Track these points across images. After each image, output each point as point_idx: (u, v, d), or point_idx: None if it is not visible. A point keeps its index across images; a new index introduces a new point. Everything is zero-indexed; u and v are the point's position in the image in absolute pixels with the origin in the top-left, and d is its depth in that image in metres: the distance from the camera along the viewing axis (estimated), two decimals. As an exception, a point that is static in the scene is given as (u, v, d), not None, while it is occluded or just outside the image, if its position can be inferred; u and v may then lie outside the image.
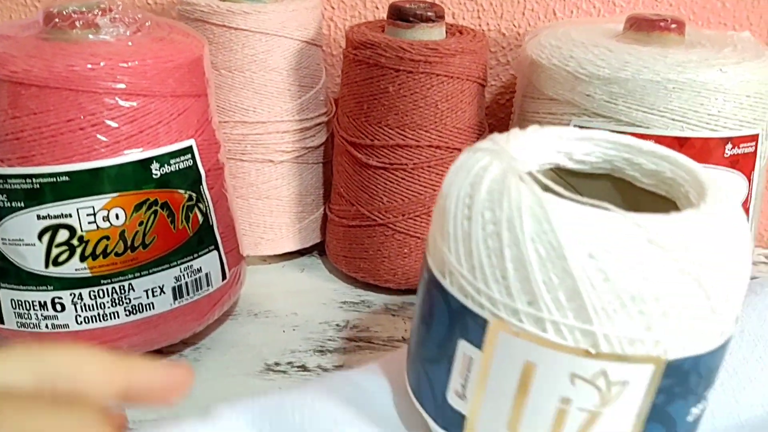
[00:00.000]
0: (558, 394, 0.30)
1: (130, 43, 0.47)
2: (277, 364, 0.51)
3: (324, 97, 0.66)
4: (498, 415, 0.31)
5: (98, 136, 0.45)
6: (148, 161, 0.46)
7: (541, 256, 0.28)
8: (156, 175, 0.47)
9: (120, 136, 0.46)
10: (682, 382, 0.30)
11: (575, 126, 0.51)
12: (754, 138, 0.50)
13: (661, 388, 0.30)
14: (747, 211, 0.53)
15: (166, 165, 0.47)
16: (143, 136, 0.46)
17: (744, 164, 0.50)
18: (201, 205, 0.50)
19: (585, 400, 0.30)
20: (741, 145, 0.50)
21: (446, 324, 0.32)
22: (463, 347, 0.31)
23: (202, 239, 0.50)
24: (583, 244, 0.28)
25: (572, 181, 0.38)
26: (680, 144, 0.48)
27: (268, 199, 0.63)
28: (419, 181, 0.56)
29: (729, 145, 0.49)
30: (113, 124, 0.45)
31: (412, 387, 0.36)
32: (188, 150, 0.49)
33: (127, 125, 0.46)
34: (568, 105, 0.51)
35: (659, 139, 0.48)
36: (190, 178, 0.49)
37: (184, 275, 0.49)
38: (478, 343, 0.31)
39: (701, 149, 0.49)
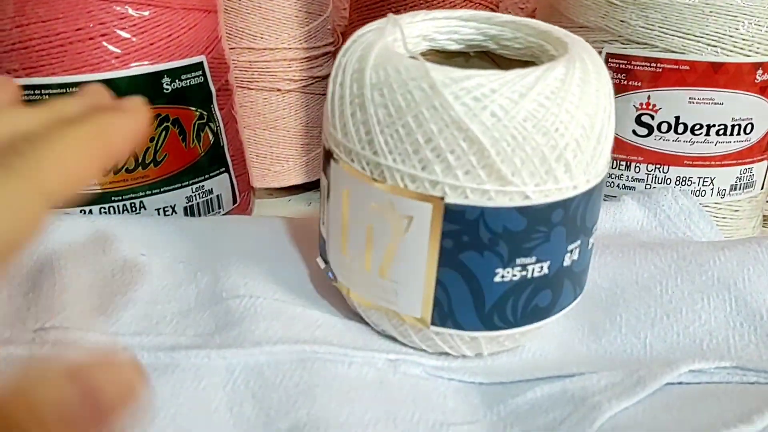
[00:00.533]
0: (365, 221, 0.33)
1: (141, -51, 0.44)
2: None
3: (331, 26, 0.64)
4: (336, 237, 0.36)
5: (108, 46, 0.43)
6: (159, 75, 0.44)
7: (353, 92, 0.33)
8: (167, 89, 0.45)
9: (130, 48, 0.43)
10: (469, 232, 0.31)
11: (607, 53, 0.49)
12: (785, 65, 0.49)
13: (446, 232, 0.32)
14: (771, 143, 0.52)
15: (177, 80, 0.45)
16: (154, 48, 0.44)
17: (773, 92, 0.50)
18: (212, 125, 0.48)
19: (383, 229, 0.33)
20: (772, 72, 0.49)
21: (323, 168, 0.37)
22: (323, 178, 0.37)
23: (213, 160, 0.48)
24: (376, 82, 0.32)
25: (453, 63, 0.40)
26: (714, 69, 0.47)
27: (276, 130, 0.61)
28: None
29: (760, 71, 0.48)
30: (124, 35, 0.43)
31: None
32: (199, 66, 0.47)
33: (137, 36, 0.44)
34: (601, 32, 0.49)
35: (693, 65, 0.47)
36: (201, 95, 0.47)
37: (195, 195, 0.47)
38: (327, 173, 0.36)
39: (734, 75, 0.47)
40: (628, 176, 0.52)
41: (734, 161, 0.52)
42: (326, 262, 0.38)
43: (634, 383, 0.32)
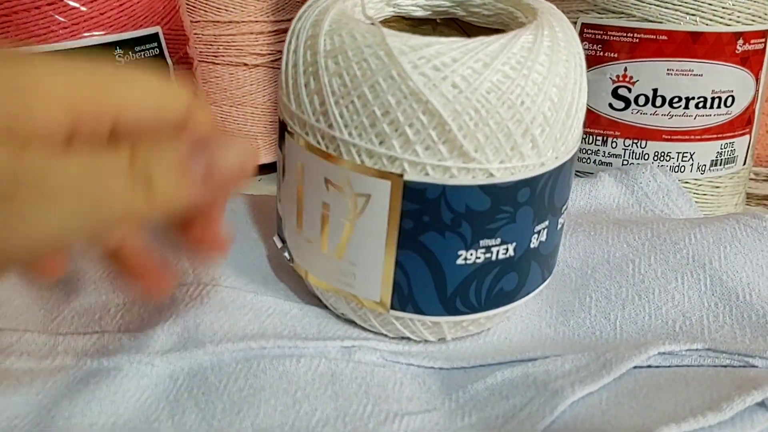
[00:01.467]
0: (320, 198, 0.31)
1: None
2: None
3: (301, -1, 0.62)
4: (291, 216, 0.34)
5: (56, 16, 0.41)
6: (111, 46, 0.42)
7: (306, 60, 0.31)
8: (120, 62, 0.42)
9: (80, 17, 0.41)
10: (430, 211, 0.30)
11: (582, 24, 0.47)
12: (765, 34, 0.47)
13: (405, 212, 0.30)
14: (752, 113, 0.50)
15: (130, 52, 0.43)
16: (105, 18, 0.42)
17: (754, 62, 0.48)
18: (170, 100, 0.46)
19: (339, 207, 0.31)
20: (752, 41, 0.47)
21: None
22: (278, 153, 0.35)
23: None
24: (330, 49, 0.30)
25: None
26: (693, 40, 0.45)
27: (243, 106, 0.59)
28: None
29: (740, 41, 0.46)
30: (73, 4, 0.41)
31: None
32: (154, 38, 0.44)
33: (87, 5, 0.41)
34: (576, 1, 0.47)
35: (672, 34, 0.45)
36: (156, 68, 0.45)
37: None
38: (281, 147, 0.34)
39: (714, 45, 0.46)
40: (604, 152, 0.50)
41: (714, 135, 0.50)
42: (283, 241, 0.36)
43: (600, 367, 0.31)
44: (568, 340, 0.35)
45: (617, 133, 0.49)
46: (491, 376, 0.31)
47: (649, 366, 0.32)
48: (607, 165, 0.50)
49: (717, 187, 0.52)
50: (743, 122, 0.51)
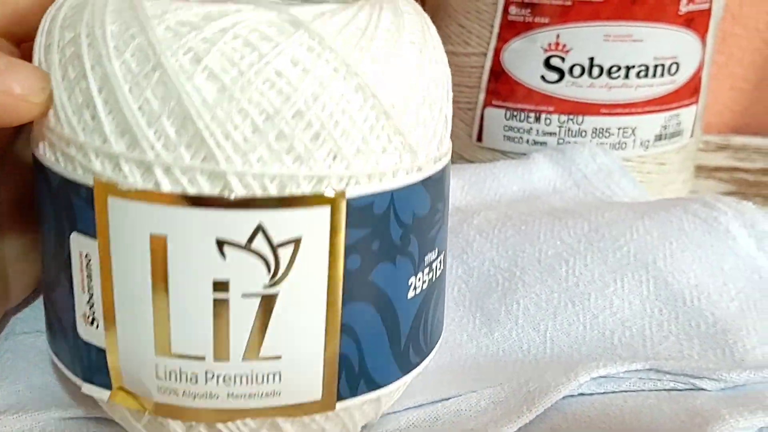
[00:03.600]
0: (208, 277, 0.20)
1: None
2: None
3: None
4: (141, 332, 0.21)
5: None
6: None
7: (132, 71, 0.19)
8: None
9: None
10: (379, 233, 0.21)
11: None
12: (712, -7, 0.42)
13: (350, 246, 0.21)
14: (699, 81, 0.46)
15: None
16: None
17: (699, 23, 0.43)
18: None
19: (248, 278, 0.20)
20: (697, 0, 0.41)
21: (53, 219, 0.22)
22: (77, 243, 0.21)
23: None
24: (186, 46, 0.19)
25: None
26: (632, 0, 0.40)
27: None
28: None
29: (684, 1, 0.41)
30: None
31: (49, 339, 0.25)
32: None
33: None
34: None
35: (605, -7, 0.39)
36: None
37: None
38: (90, 229, 0.21)
39: (654, 6, 0.41)
40: (537, 130, 0.45)
41: (658, 107, 0.45)
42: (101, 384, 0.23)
43: (520, 402, 0.26)
44: (491, 358, 0.30)
45: (551, 109, 0.44)
46: (394, 421, 0.26)
47: (581, 394, 0.27)
48: (540, 144, 0.45)
49: (663, 163, 0.47)
50: (690, 91, 0.46)
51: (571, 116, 0.44)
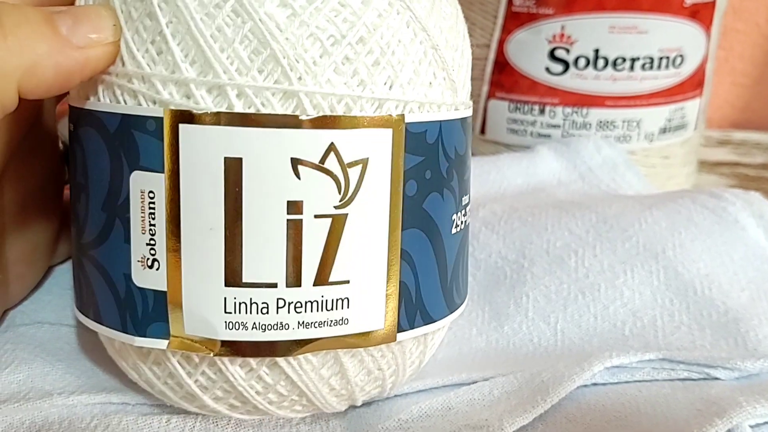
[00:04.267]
0: (283, 198, 0.20)
1: None
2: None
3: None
4: (210, 264, 0.21)
5: None
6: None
7: (203, 3, 0.20)
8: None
9: None
10: (431, 163, 0.23)
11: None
12: (718, -16, 0.42)
13: (408, 171, 0.22)
14: (703, 73, 0.45)
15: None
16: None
17: (704, 15, 0.43)
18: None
19: (320, 198, 0.21)
20: (703, -8, 0.41)
21: (106, 166, 0.21)
22: (139, 182, 0.21)
23: None
24: None
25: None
26: (637, -10, 0.40)
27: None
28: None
29: (690, -8, 0.41)
30: None
31: (80, 306, 0.24)
32: None
33: None
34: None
35: (611, -16, 0.39)
36: None
37: None
38: (155, 163, 0.21)
39: (660, -4, 0.40)
40: (542, 122, 0.44)
41: (663, 100, 0.45)
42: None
43: (533, 392, 0.25)
44: (502, 352, 0.30)
45: (556, 101, 0.44)
46: (405, 410, 0.25)
47: (594, 384, 0.27)
48: (545, 137, 0.45)
49: (667, 156, 0.47)
50: (694, 84, 0.46)
51: (576, 108, 0.44)
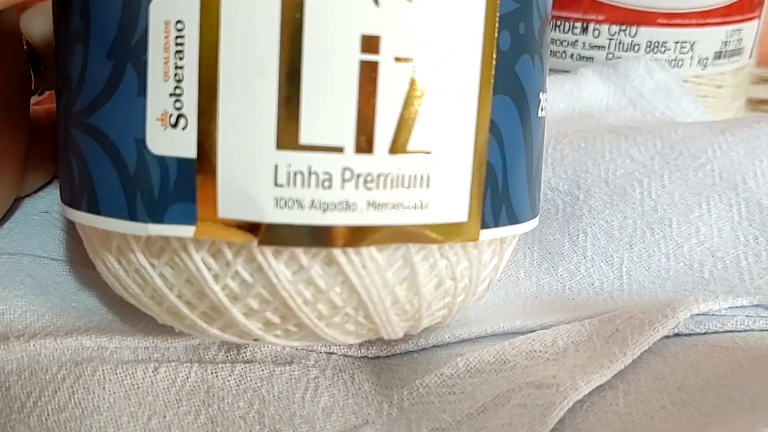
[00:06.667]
0: (356, 31, 0.16)
1: None
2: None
3: None
4: (258, 119, 0.16)
5: None
6: None
7: None
8: None
9: None
10: (525, 14, 0.18)
11: None
12: None
13: (504, 19, 0.17)
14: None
15: None
16: None
17: None
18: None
19: (404, 35, 0.16)
20: None
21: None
22: (160, 10, 0.16)
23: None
24: None
25: None
26: None
27: None
28: None
29: None
30: None
31: (69, 198, 0.19)
32: None
33: None
34: None
35: None
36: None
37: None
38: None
39: None
40: (584, 42, 0.39)
41: (720, 20, 0.39)
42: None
43: (607, 342, 0.20)
44: (556, 298, 0.25)
45: (601, 18, 0.38)
46: (449, 364, 0.20)
47: (677, 335, 0.22)
48: (587, 60, 0.39)
49: (720, 86, 0.42)
50: (753, 3, 0.40)
51: (623, 27, 0.38)
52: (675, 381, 0.20)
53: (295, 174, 0.16)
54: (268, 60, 0.15)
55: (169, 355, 0.20)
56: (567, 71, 0.39)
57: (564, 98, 0.36)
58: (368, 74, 0.16)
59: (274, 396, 0.20)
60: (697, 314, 0.22)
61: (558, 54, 0.40)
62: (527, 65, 0.18)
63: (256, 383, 0.20)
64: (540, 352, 0.21)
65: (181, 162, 0.16)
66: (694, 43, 0.39)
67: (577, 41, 0.39)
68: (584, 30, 0.39)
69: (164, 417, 0.19)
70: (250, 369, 0.20)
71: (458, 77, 0.17)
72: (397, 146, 0.16)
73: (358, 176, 0.16)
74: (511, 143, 0.18)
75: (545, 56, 0.20)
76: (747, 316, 0.22)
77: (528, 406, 0.19)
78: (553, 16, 0.39)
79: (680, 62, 0.39)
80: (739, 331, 0.22)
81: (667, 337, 0.22)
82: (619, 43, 0.38)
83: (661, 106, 0.36)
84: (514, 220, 0.19)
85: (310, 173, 0.16)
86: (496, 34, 0.17)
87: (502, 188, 0.18)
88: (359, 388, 0.20)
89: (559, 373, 0.20)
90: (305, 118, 0.16)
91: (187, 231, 0.16)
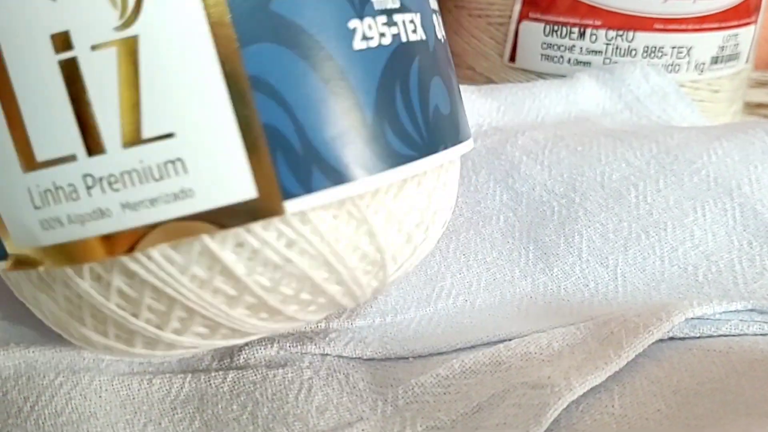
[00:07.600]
0: (43, 32, 0.15)
1: None
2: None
3: None
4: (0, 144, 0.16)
5: None
6: None
7: None
8: None
9: None
10: None
11: None
12: None
13: None
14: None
15: None
16: None
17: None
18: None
19: (90, 21, 0.15)
20: None
21: None
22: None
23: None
24: None
25: None
26: None
27: None
28: None
29: None
30: None
31: None
32: None
33: None
34: None
35: None
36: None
37: None
38: None
39: None
40: (581, 48, 0.39)
41: (716, 25, 0.39)
42: None
43: (603, 345, 0.21)
44: (551, 299, 0.25)
45: (598, 23, 0.38)
46: (444, 365, 0.21)
47: (672, 338, 0.22)
48: (584, 65, 0.39)
49: (716, 91, 0.42)
50: (749, 8, 0.41)
51: (620, 32, 0.38)
52: (670, 384, 0.20)
53: (45, 193, 0.15)
54: None
55: (163, 368, 0.20)
56: (563, 76, 0.40)
57: (560, 102, 0.36)
58: (71, 72, 0.15)
59: (267, 398, 0.20)
60: (692, 318, 0.22)
61: (555, 59, 0.40)
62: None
63: (249, 387, 0.20)
64: (535, 354, 0.21)
65: None
66: (690, 48, 0.39)
67: (574, 46, 0.39)
68: (581, 35, 0.39)
69: (159, 424, 0.19)
70: (243, 374, 0.20)
71: (177, 44, 0.15)
72: (129, 137, 0.15)
73: (101, 180, 0.15)
74: (301, 95, 0.16)
75: None
76: (741, 320, 0.23)
77: (523, 406, 0.19)
78: (551, 22, 0.39)
79: (677, 67, 0.40)
80: (734, 335, 0.22)
81: (662, 340, 0.22)
82: (616, 48, 0.39)
83: (657, 110, 0.36)
84: (339, 178, 0.16)
85: (56, 189, 0.15)
86: None
87: (303, 147, 0.16)
88: (354, 387, 0.21)
89: (554, 374, 0.20)
90: (32, 135, 0.15)
91: (3, 266, 0.16)
